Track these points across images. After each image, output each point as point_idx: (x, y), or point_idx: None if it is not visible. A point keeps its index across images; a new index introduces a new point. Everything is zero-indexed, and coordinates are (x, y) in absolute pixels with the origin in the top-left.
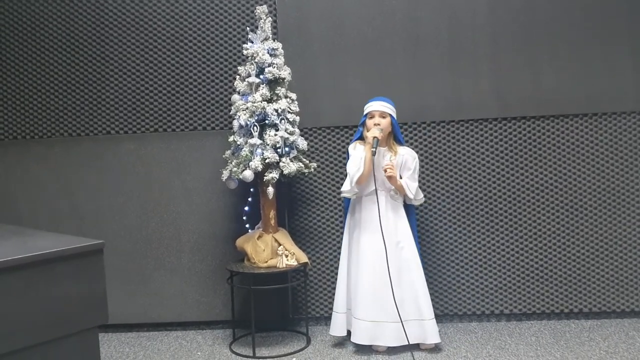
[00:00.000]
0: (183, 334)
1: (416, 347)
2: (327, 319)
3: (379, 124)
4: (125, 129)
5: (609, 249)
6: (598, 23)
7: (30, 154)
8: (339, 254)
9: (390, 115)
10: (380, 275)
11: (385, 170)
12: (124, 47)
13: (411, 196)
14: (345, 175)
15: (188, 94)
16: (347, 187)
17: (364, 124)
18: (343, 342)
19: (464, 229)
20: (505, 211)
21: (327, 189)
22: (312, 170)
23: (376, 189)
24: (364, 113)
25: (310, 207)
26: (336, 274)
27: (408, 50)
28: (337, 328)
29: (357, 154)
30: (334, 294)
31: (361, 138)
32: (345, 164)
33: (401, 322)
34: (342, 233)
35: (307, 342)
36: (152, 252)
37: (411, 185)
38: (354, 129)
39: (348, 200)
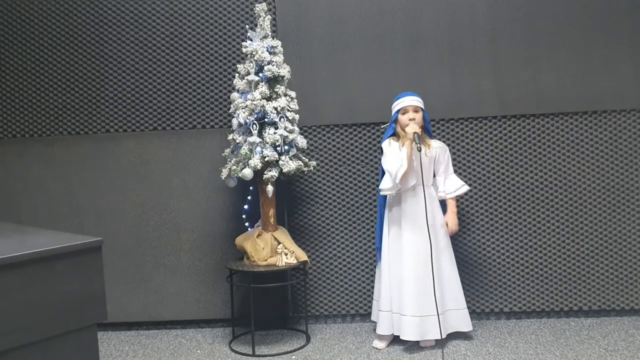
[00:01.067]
0: (182, 332)
1: (416, 344)
2: (326, 317)
3: (413, 119)
4: (125, 128)
5: (608, 247)
6: (598, 21)
7: (30, 153)
8: (339, 252)
9: (422, 109)
10: (425, 269)
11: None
12: (124, 45)
13: (465, 190)
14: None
15: (187, 92)
16: (388, 185)
17: (396, 120)
18: (343, 340)
19: (463, 226)
20: (505, 209)
21: (327, 187)
22: (312, 168)
23: (423, 183)
24: (396, 109)
25: (310, 205)
26: (336, 271)
27: (408, 48)
28: (385, 327)
29: (394, 150)
30: (333, 292)
31: (394, 134)
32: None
33: (438, 315)
34: (375, 230)
35: (307, 340)
36: (151, 250)
37: (457, 187)
38: (354, 127)
39: (382, 197)
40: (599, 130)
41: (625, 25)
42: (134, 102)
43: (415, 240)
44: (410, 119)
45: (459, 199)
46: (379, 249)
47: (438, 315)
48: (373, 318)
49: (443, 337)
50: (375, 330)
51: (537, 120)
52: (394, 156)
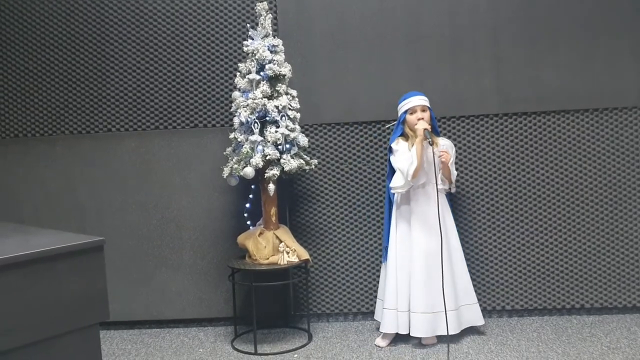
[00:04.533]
0: (185, 331)
1: (417, 342)
2: (328, 316)
3: (422, 118)
4: (127, 127)
5: (610, 244)
6: (599, 18)
7: (32, 152)
8: (341, 250)
9: (429, 108)
10: (436, 267)
11: (440, 156)
12: (125, 44)
13: (453, 180)
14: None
15: (189, 92)
16: (400, 183)
17: (404, 120)
18: (345, 338)
19: (465, 224)
20: (507, 207)
21: (328, 185)
22: (313, 167)
23: (436, 182)
24: (403, 110)
25: (312, 203)
26: (337, 270)
27: (409, 47)
28: (389, 325)
29: (404, 149)
30: (335, 291)
31: (402, 135)
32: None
33: (445, 311)
34: (381, 227)
35: (309, 339)
36: (153, 249)
37: (454, 173)
38: (355, 126)
39: (390, 195)
40: (600, 127)
41: (626, 22)
42: (136, 102)
43: (425, 239)
44: (418, 119)
45: (459, 192)
46: (386, 248)
47: (445, 312)
48: (377, 317)
49: (456, 332)
50: (379, 329)
51: (538, 118)
52: (404, 154)
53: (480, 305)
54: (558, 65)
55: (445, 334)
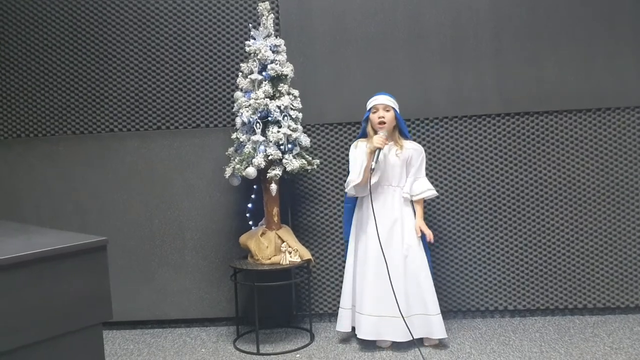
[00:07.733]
0: (187, 330)
1: (420, 342)
2: (330, 316)
3: (383, 117)
4: (129, 127)
5: (613, 244)
6: (601, 18)
7: (34, 152)
8: (342, 250)
9: (394, 109)
10: (385, 270)
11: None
12: (127, 45)
13: (431, 195)
14: (347, 173)
15: (191, 92)
16: (351, 192)
17: (367, 119)
18: (348, 338)
19: (467, 225)
20: (509, 207)
21: (330, 185)
22: (315, 167)
23: (383, 185)
24: (367, 108)
25: (314, 203)
26: (339, 270)
27: (410, 46)
28: (342, 324)
29: (359, 155)
30: (337, 291)
31: (364, 135)
32: (347, 161)
33: (402, 317)
34: (345, 229)
35: (311, 339)
36: (155, 249)
37: (423, 190)
38: (357, 126)
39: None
40: (602, 127)
41: (628, 22)
42: (138, 102)
43: (377, 241)
44: (379, 117)
45: (427, 204)
46: (347, 242)
47: (403, 317)
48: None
49: (403, 340)
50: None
51: (540, 117)
52: (357, 160)
53: (483, 306)
54: (560, 64)
55: (390, 339)
